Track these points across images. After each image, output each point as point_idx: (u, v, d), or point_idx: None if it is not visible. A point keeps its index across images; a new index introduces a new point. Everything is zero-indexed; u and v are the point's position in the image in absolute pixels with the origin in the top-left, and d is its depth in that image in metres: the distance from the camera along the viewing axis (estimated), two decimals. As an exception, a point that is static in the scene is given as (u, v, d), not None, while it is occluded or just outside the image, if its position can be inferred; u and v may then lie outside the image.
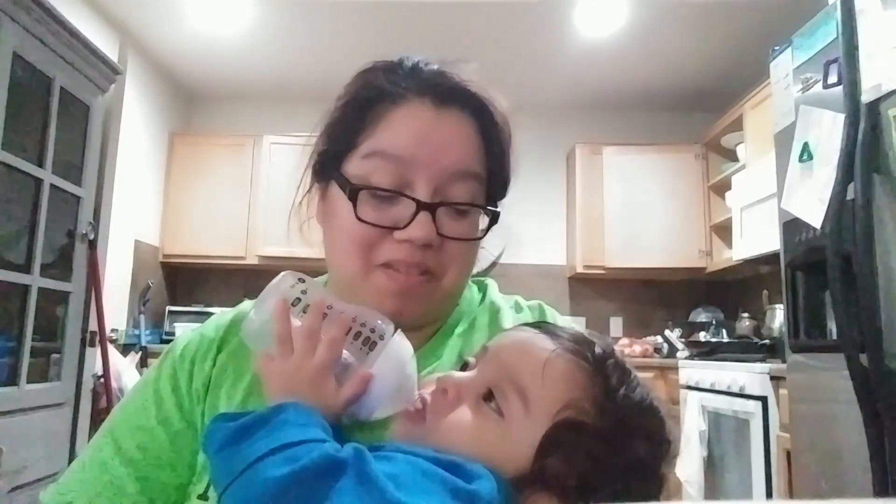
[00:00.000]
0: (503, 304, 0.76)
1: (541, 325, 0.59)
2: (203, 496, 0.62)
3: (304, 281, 0.57)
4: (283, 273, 0.59)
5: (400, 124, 0.64)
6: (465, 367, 0.57)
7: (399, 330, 0.56)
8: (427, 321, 0.69)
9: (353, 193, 0.63)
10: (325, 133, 0.69)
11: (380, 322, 0.56)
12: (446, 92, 0.65)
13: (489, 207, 0.67)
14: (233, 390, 0.66)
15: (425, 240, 0.61)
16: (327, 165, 0.68)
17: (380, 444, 0.53)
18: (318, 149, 0.70)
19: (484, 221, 0.68)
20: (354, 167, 0.64)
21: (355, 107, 0.67)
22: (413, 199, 0.61)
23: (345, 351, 0.54)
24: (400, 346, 0.56)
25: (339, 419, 0.55)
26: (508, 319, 0.73)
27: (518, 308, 0.77)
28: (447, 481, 0.45)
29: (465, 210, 0.65)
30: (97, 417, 3.03)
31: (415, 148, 0.62)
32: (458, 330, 0.71)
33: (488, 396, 0.53)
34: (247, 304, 0.75)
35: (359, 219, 0.62)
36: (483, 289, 0.78)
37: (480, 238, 0.67)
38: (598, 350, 0.55)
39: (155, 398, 0.67)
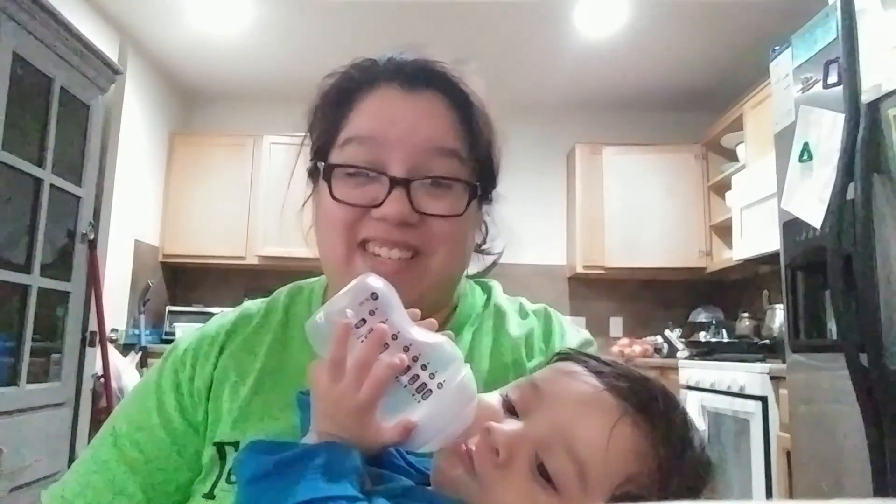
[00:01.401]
0: (508, 307, 0.75)
1: (593, 364, 0.54)
2: (209, 495, 0.62)
3: (376, 297, 0.51)
4: (362, 277, 0.52)
5: (370, 109, 0.65)
6: (510, 406, 0.53)
7: (467, 371, 0.51)
8: (422, 306, 0.67)
9: (326, 172, 0.64)
10: (309, 134, 0.71)
11: (444, 364, 0.51)
12: (415, 73, 0.66)
13: (468, 182, 0.65)
14: (235, 391, 0.66)
15: (399, 216, 0.61)
16: (316, 164, 0.68)
17: (412, 481, 0.53)
18: (311, 151, 0.71)
19: (474, 210, 0.67)
20: (334, 157, 0.66)
21: (330, 103, 0.68)
22: (386, 175, 0.62)
23: (405, 378, 0.50)
24: (459, 395, 0.50)
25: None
26: (514, 324, 0.73)
27: (523, 313, 0.76)
28: None
29: (445, 186, 0.64)
30: (97, 417, 3.03)
31: (385, 127, 0.63)
32: (465, 335, 0.70)
33: (541, 463, 0.49)
34: (248, 304, 0.75)
35: (334, 198, 0.63)
36: (487, 291, 0.77)
37: (461, 214, 0.64)
38: (660, 404, 0.51)
39: (156, 399, 0.68)
